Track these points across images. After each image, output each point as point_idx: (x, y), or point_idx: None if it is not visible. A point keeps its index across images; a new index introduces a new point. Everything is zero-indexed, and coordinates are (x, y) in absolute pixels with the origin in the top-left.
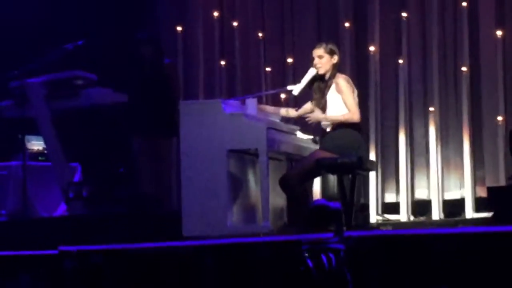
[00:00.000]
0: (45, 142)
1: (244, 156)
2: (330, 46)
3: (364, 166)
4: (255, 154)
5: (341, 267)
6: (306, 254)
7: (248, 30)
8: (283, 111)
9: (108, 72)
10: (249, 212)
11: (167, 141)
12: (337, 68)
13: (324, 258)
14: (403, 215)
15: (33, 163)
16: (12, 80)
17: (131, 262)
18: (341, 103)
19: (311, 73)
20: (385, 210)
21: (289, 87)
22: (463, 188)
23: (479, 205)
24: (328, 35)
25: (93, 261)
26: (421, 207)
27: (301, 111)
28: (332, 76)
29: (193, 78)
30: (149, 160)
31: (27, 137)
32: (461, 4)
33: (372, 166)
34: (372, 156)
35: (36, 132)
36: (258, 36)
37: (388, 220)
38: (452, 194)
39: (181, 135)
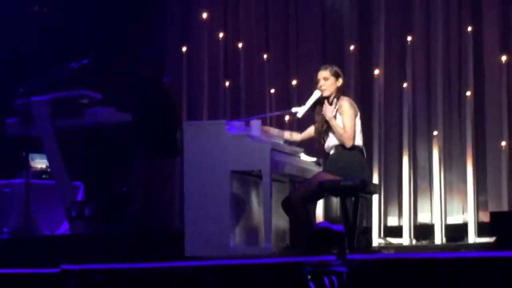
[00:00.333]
0: (49, 161)
1: (248, 178)
2: (335, 68)
3: (367, 189)
4: (258, 176)
5: None
6: (309, 277)
7: (252, 51)
8: (287, 134)
9: (112, 91)
10: (252, 234)
11: (169, 160)
12: (341, 91)
13: (326, 280)
14: (406, 239)
15: (37, 181)
16: (17, 98)
17: (132, 281)
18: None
19: (315, 95)
20: (388, 233)
21: (293, 109)
22: (466, 213)
23: (482, 230)
24: (332, 57)
25: (95, 280)
26: (423, 231)
27: (305, 134)
28: (336, 98)
29: (197, 98)
30: (151, 180)
31: (31, 155)
32: (466, 29)
33: (375, 189)
34: (375, 179)
35: (40, 150)
36: (262, 57)
37: (391, 243)
38: (455, 219)
39: (185, 155)
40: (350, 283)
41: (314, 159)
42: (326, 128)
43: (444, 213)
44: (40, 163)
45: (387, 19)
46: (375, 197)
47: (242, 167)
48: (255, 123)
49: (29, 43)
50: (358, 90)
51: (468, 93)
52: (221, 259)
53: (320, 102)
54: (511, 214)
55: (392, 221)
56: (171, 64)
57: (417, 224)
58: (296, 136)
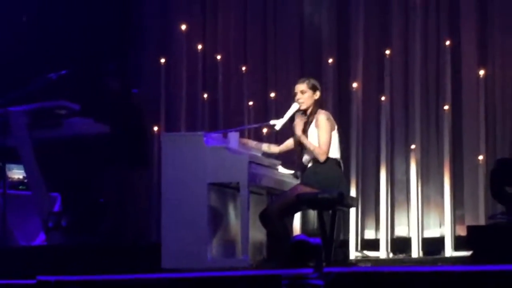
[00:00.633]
0: (26, 171)
1: (225, 190)
2: (313, 81)
3: (344, 202)
4: (236, 188)
5: None
6: None
7: (231, 63)
8: (265, 147)
9: (86, 103)
10: (229, 246)
11: (139, 172)
12: (319, 104)
13: None
14: (383, 252)
15: (14, 192)
16: None
17: None
18: None
19: (293, 108)
20: (365, 246)
21: (271, 122)
22: (443, 226)
23: (459, 244)
24: (311, 70)
25: None
26: (400, 244)
27: (283, 146)
28: (314, 112)
29: (176, 110)
30: (123, 192)
31: (8, 165)
32: (444, 43)
33: (353, 202)
34: (353, 192)
35: (17, 160)
36: (241, 70)
37: (368, 256)
38: (432, 232)
39: (163, 167)
40: None
41: (292, 171)
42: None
43: (421, 227)
44: (17, 173)
45: (366, 33)
46: (352, 210)
47: (220, 179)
48: (233, 135)
49: (7, 52)
50: (336, 103)
51: (446, 107)
52: (198, 271)
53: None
54: (488, 228)
55: (369, 234)
56: (149, 75)
57: (394, 237)
58: (274, 149)
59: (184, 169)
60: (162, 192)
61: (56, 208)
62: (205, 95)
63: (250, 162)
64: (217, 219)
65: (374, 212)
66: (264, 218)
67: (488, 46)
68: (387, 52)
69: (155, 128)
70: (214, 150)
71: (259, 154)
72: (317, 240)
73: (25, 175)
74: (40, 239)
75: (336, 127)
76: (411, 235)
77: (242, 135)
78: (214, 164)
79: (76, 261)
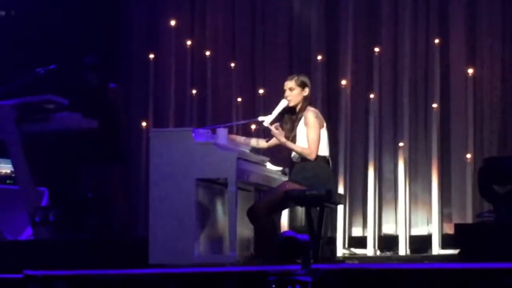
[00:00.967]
0: (14, 165)
1: (213, 186)
2: (302, 78)
3: (332, 199)
4: (224, 184)
5: None
6: (273, 286)
7: (219, 60)
8: (254, 142)
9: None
10: (216, 242)
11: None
12: (308, 101)
13: None
14: (370, 250)
15: (1, 186)
16: None
17: None
18: None
19: (282, 104)
20: (352, 244)
21: (260, 118)
22: (431, 224)
23: (446, 242)
24: (299, 67)
25: (57, 286)
26: (388, 242)
27: (272, 142)
28: (302, 109)
29: (164, 106)
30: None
31: None
32: (433, 41)
33: (340, 199)
34: (341, 190)
35: (4, 155)
36: (229, 66)
37: (355, 254)
38: (419, 230)
39: (151, 162)
40: None
41: (280, 168)
42: (293, 138)
43: (409, 225)
44: (4, 168)
45: (355, 30)
46: (340, 207)
47: (208, 175)
48: (222, 131)
49: None
50: (325, 100)
51: (435, 105)
52: (185, 267)
53: (286, 111)
54: (475, 227)
55: (357, 231)
56: (138, 70)
57: (382, 235)
58: (263, 144)
59: (172, 164)
60: (150, 188)
61: (44, 202)
62: (194, 91)
63: (239, 158)
64: (205, 215)
65: (361, 210)
66: (252, 214)
67: (477, 46)
68: (376, 49)
69: (144, 124)
70: (203, 146)
71: (248, 150)
72: (305, 237)
73: (12, 169)
74: (27, 234)
75: (325, 124)
76: (398, 232)
77: (230, 131)
78: (202, 160)
79: (63, 256)
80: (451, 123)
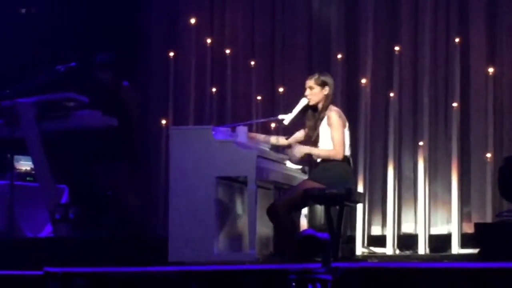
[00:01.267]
0: (34, 163)
1: (233, 184)
2: (322, 77)
3: (352, 197)
4: (243, 182)
5: None
6: (293, 284)
7: (239, 58)
8: (273, 139)
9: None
10: (236, 240)
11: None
12: (330, 100)
13: None
14: (389, 249)
15: (21, 183)
16: (3, 99)
17: (115, 285)
18: None
19: (302, 103)
20: (371, 242)
21: (280, 116)
22: (450, 224)
23: (465, 241)
24: (319, 65)
25: (77, 283)
26: (407, 241)
27: (292, 139)
28: (325, 108)
29: (184, 103)
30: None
31: (16, 157)
32: (453, 40)
33: (360, 198)
34: (360, 188)
35: (25, 152)
36: (249, 64)
37: (374, 253)
38: (439, 229)
39: (171, 160)
40: None
41: (300, 166)
42: (316, 137)
43: (428, 224)
44: (24, 165)
45: (375, 28)
46: (359, 206)
47: (227, 173)
48: (242, 130)
49: (17, 45)
50: (345, 98)
51: (455, 104)
52: (204, 265)
53: (307, 109)
54: (495, 226)
55: (376, 230)
56: (158, 68)
57: (401, 234)
58: (283, 141)
59: (192, 162)
60: (170, 185)
61: (63, 200)
62: (214, 89)
63: (258, 157)
64: (225, 213)
65: (381, 209)
66: (272, 212)
67: (497, 44)
68: (397, 48)
69: (163, 122)
70: (222, 144)
71: (268, 148)
72: (325, 235)
73: (32, 166)
74: (47, 231)
75: (347, 124)
76: (418, 231)
77: (250, 130)
78: (222, 158)
79: (83, 253)
80: (471, 122)
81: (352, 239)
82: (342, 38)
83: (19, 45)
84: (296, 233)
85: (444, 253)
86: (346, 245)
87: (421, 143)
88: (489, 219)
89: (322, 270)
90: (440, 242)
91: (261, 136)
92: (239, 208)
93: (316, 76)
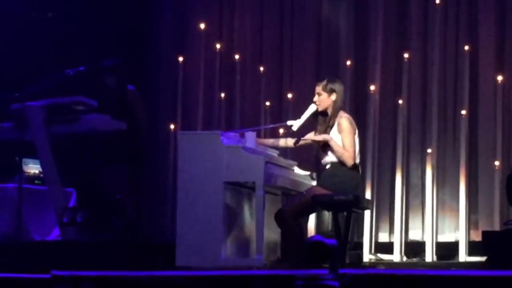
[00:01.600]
0: (42, 166)
1: (241, 189)
2: (330, 84)
3: (360, 204)
4: (251, 188)
5: None
6: None
7: (248, 63)
8: (282, 142)
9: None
10: (243, 245)
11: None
12: (339, 106)
13: None
14: (396, 256)
15: (29, 186)
16: (12, 102)
17: None
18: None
19: (311, 109)
20: (378, 249)
21: (289, 122)
22: (458, 231)
23: (473, 249)
24: (328, 72)
25: (84, 286)
26: (414, 248)
27: (301, 141)
28: (334, 115)
29: (192, 108)
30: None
31: (25, 160)
32: (463, 47)
33: (368, 204)
34: (368, 195)
35: (33, 155)
36: (258, 70)
37: (381, 259)
38: (446, 237)
39: (179, 165)
40: None
41: (308, 172)
42: (325, 142)
43: (436, 231)
44: (33, 168)
45: (384, 35)
46: (366, 213)
47: (235, 179)
48: (250, 135)
49: (27, 48)
50: (353, 105)
51: (463, 112)
52: (212, 270)
53: (316, 115)
54: (502, 234)
55: (383, 237)
56: (166, 73)
57: (408, 241)
58: (291, 142)
59: (200, 167)
60: (178, 190)
61: (72, 203)
62: (222, 94)
63: (267, 162)
64: (232, 218)
65: (388, 215)
66: (279, 218)
67: (506, 52)
68: (406, 55)
69: (172, 126)
70: (231, 149)
71: (276, 154)
72: (333, 242)
73: (41, 170)
74: (55, 234)
75: (357, 131)
76: (425, 239)
77: (258, 135)
78: (230, 163)
79: (90, 257)
80: (480, 130)
81: (360, 245)
82: (351, 44)
83: (29, 49)
84: (304, 239)
85: (451, 261)
86: (353, 252)
87: (429, 150)
88: (497, 227)
89: (329, 277)
90: (447, 250)
91: (269, 141)
92: (247, 213)
93: (325, 82)
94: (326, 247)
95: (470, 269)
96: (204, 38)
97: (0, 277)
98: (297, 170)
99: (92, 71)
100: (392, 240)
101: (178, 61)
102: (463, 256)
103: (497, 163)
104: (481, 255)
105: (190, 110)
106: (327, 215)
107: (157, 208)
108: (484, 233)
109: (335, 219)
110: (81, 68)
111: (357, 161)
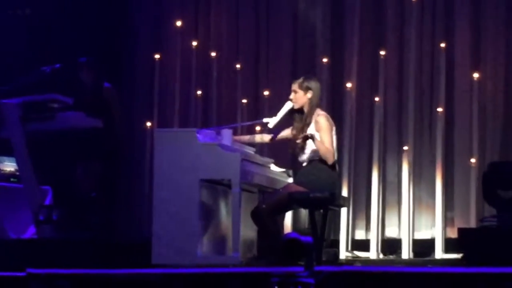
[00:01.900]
0: (18, 164)
1: (217, 187)
2: (306, 82)
3: (336, 201)
4: (228, 185)
5: None
6: (276, 287)
7: (225, 61)
8: (258, 138)
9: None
10: (219, 243)
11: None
12: (315, 104)
13: None
14: (373, 253)
15: (5, 184)
16: None
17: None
18: None
19: (287, 106)
20: (355, 247)
21: (265, 120)
22: (434, 228)
23: (449, 246)
24: (304, 69)
25: (60, 285)
26: (391, 245)
27: (278, 136)
28: (311, 113)
29: (169, 106)
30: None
31: (0, 157)
32: (439, 45)
33: (344, 202)
34: (344, 192)
35: (9, 153)
36: (235, 67)
37: (358, 257)
38: (422, 234)
39: (155, 162)
40: None
41: (284, 170)
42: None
43: (412, 228)
44: (8, 166)
45: (361, 33)
46: (343, 210)
47: (212, 176)
48: (226, 132)
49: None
50: (330, 102)
51: (440, 109)
52: (188, 267)
53: (292, 112)
54: (478, 231)
55: (360, 234)
56: (143, 71)
57: (385, 238)
58: (267, 138)
59: (176, 165)
60: (154, 188)
61: (47, 201)
62: (199, 92)
63: (243, 160)
64: (208, 215)
65: (365, 213)
66: (256, 215)
67: (482, 50)
68: (382, 52)
69: (148, 124)
70: (207, 146)
71: (252, 152)
72: (308, 239)
73: (16, 167)
74: (31, 232)
75: (334, 128)
76: (401, 236)
77: (235, 133)
78: (206, 161)
79: (66, 255)
80: (456, 127)
81: (336, 243)
82: (327, 42)
83: (5, 47)
84: (280, 237)
85: (427, 258)
86: (330, 249)
87: (405, 148)
88: (472, 224)
89: (305, 274)
90: (423, 247)
91: (245, 137)
92: (223, 211)
93: (301, 80)
94: (302, 244)
95: (446, 266)
96: (180, 36)
97: None
98: (273, 167)
99: (68, 68)
100: (368, 238)
101: (154, 58)
102: (439, 253)
103: (473, 160)
104: (457, 252)
105: (166, 107)
106: (304, 213)
107: (133, 206)
108: (460, 230)
109: (311, 216)
110: (57, 66)
111: (335, 158)
